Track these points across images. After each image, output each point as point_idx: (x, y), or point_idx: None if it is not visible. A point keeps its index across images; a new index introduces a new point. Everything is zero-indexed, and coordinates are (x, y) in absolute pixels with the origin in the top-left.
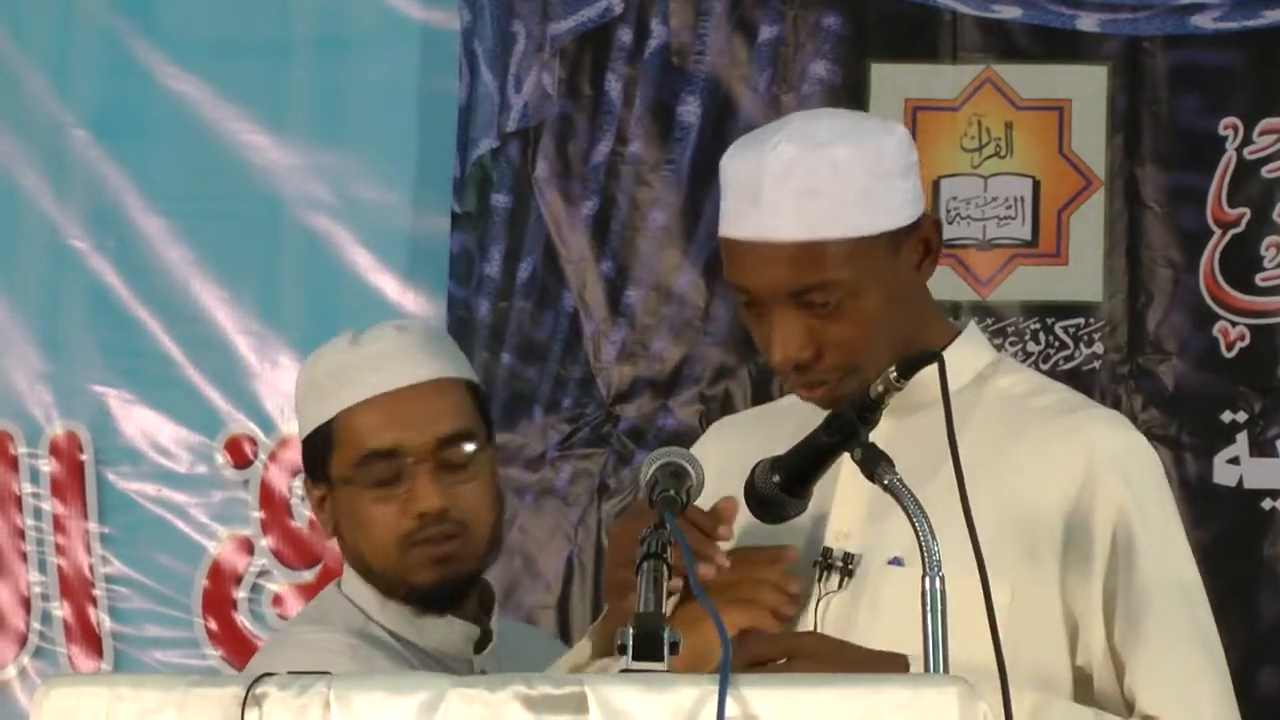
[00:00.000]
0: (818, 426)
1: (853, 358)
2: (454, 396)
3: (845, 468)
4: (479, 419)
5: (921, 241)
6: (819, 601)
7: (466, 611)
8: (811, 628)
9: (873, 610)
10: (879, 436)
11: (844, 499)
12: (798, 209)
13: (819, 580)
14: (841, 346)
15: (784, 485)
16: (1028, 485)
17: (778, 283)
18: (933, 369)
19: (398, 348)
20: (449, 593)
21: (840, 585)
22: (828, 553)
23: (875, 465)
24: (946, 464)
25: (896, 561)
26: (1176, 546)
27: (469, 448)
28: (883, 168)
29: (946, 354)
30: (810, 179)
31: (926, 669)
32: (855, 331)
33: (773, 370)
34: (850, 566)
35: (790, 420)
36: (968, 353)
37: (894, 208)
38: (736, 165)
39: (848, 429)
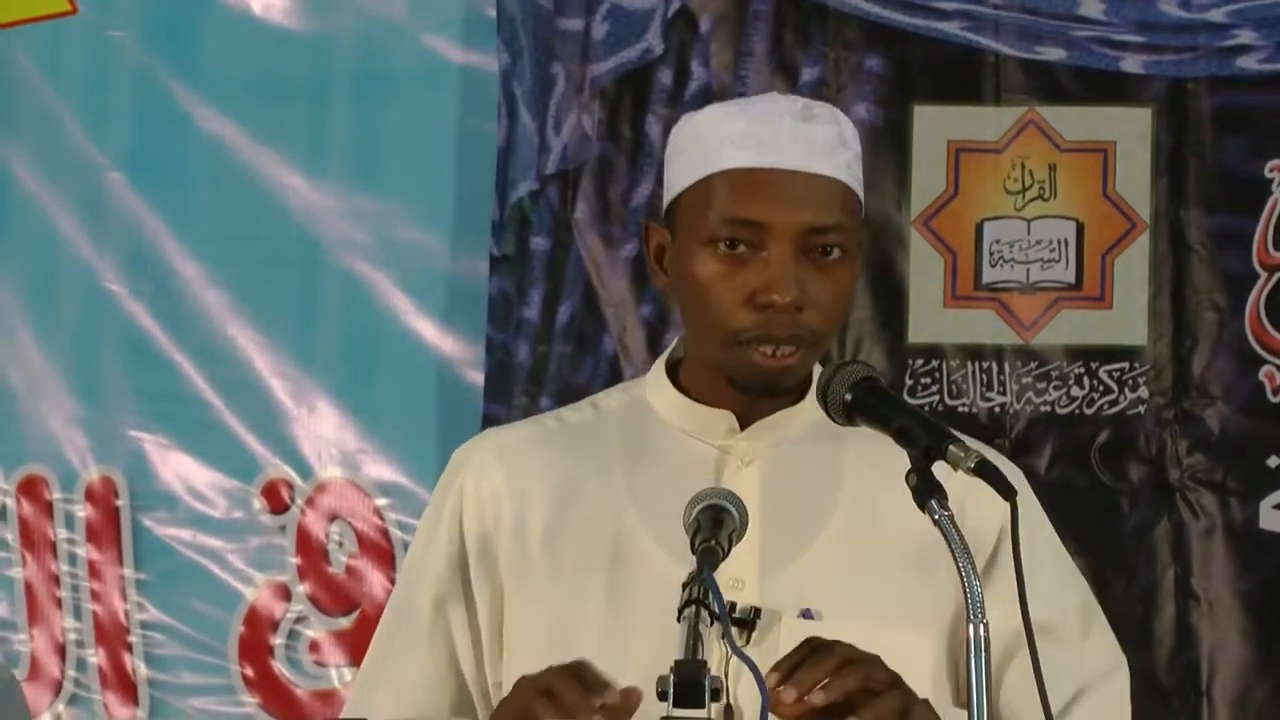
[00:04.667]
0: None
1: (827, 323)
2: None
3: None
4: None
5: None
6: (727, 661)
7: None
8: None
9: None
10: (764, 462)
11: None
12: (826, 147)
13: (721, 638)
14: (824, 307)
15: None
16: (917, 521)
17: (799, 217)
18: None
19: None
20: None
21: (746, 642)
22: (731, 607)
23: (930, 496)
24: (844, 505)
25: (807, 614)
26: (1062, 570)
27: None
28: (857, 145)
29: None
30: (832, 125)
31: (971, 716)
32: (838, 293)
33: (725, 331)
34: (756, 620)
35: (584, 439)
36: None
37: (862, 184)
38: (741, 112)
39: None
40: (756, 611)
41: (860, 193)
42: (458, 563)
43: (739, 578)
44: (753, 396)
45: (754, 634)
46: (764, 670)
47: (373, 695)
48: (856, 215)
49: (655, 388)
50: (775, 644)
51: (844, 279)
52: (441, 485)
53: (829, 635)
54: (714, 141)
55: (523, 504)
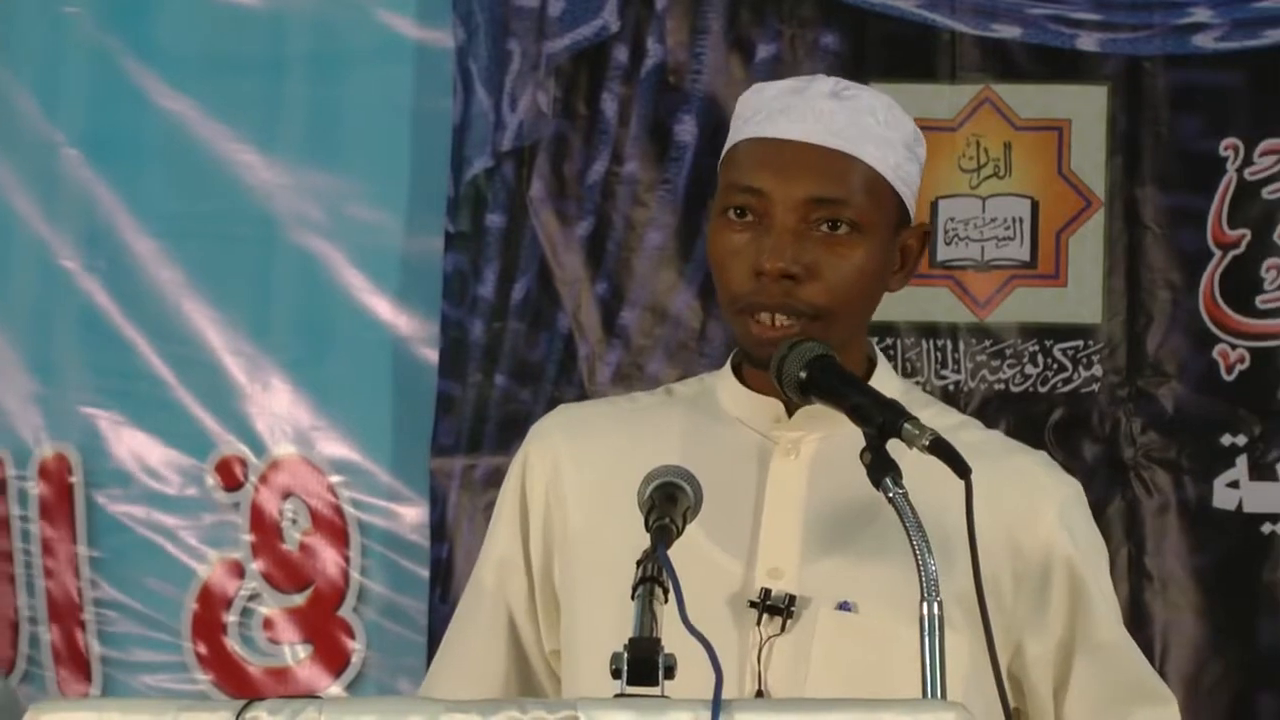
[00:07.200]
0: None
1: (832, 300)
2: None
3: (770, 501)
4: None
5: (908, 245)
6: (761, 647)
7: None
8: (751, 675)
9: (827, 660)
10: (812, 453)
11: (773, 534)
12: (841, 123)
13: (757, 624)
14: (827, 282)
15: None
16: (964, 527)
17: (796, 188)
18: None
19: None
20: None
21: (781, 630)
22: (766, 594)
23: (885, 474)
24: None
25: (845, 606)
26: (1113, 597)
27: None
28: (916, 149)
29: (874, 379)
30: (858, 104)
31: (925, 694)
32: (845, 271)
33: (729, 299)
34: (791, 608)
35: (648, 420)
36: (887, 380)
37: (910, 185)
38: (777, 86)
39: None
40: (791, 599)
41: (896, 180)
42: (519, 530)
43: (778, 566)
44: (763, 370)
45: (788, 622)
46: (795, 654)
47: (436, 674)
48: (878, 195)
49: (722, 376)
50: (810, 634)
51: (855, 257)
52: (515, 458)
53: (864, 629)
54: (745, 114)
55: (581, 476)
